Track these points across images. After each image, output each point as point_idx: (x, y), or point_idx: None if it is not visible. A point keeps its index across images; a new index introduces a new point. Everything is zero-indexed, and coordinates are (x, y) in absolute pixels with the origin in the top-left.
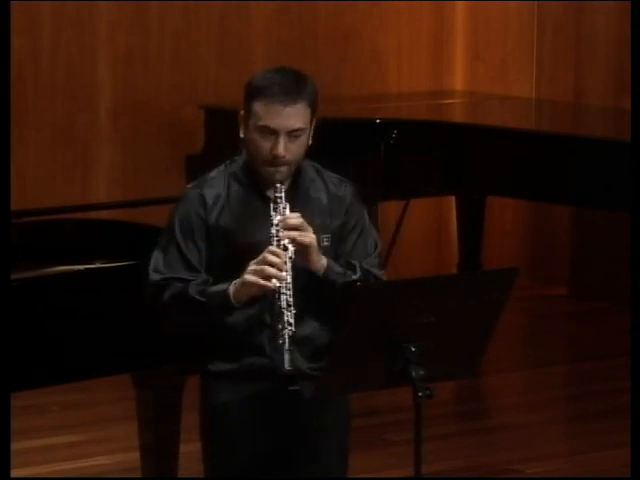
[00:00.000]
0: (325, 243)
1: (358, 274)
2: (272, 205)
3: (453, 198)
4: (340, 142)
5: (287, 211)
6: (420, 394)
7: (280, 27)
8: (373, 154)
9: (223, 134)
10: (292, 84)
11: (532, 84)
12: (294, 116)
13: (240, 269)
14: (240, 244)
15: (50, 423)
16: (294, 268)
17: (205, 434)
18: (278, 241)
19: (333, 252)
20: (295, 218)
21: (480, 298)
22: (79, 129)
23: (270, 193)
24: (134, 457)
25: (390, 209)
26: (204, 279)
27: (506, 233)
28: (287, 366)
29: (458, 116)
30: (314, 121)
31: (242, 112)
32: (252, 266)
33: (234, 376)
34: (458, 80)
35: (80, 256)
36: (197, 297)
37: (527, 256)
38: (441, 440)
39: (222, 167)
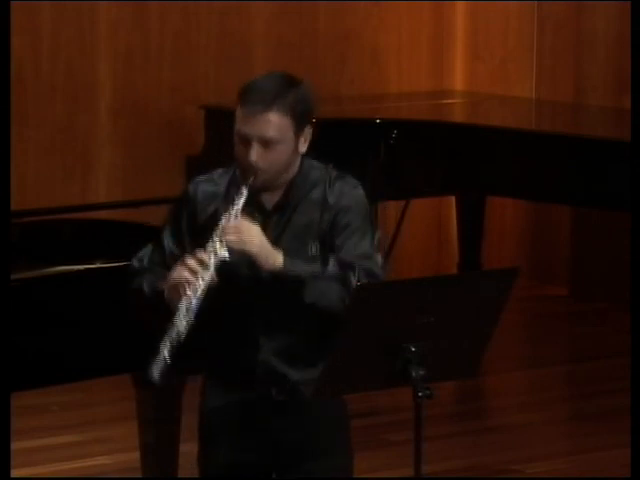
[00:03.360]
0: (313, 251)
1: (329, 268)
2: (229, 207)
3: (453, 198)
4: (340, 142)
5: (237, 217)
6: (420, 394)
7: (280, 27)
8: (373, 154)
9: (223, 134)
10: (272, 92)
11: (532, 84)
12: (265, 125)
13: (230, 271)
14: (232, 249)
15: (50, 423)
16: (264, 279)
17: (198, 434)
18: (212, 244)
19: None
20: (234, 222)
21: (480, 298)
22: (79, 129)
23: (265, 199)
24: (134, 457)
25: (390, 209)
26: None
27: (506, 233)
28: (154, 372)
29: (458, 116)
30: (305, 130)
31: None
32: (177, 267)
33: (221, 380)
34: (458, 80)
35: (80, 256)
36: (147, 292)
37: (527, 256)
38: (441, 440)
39: (230, 168)
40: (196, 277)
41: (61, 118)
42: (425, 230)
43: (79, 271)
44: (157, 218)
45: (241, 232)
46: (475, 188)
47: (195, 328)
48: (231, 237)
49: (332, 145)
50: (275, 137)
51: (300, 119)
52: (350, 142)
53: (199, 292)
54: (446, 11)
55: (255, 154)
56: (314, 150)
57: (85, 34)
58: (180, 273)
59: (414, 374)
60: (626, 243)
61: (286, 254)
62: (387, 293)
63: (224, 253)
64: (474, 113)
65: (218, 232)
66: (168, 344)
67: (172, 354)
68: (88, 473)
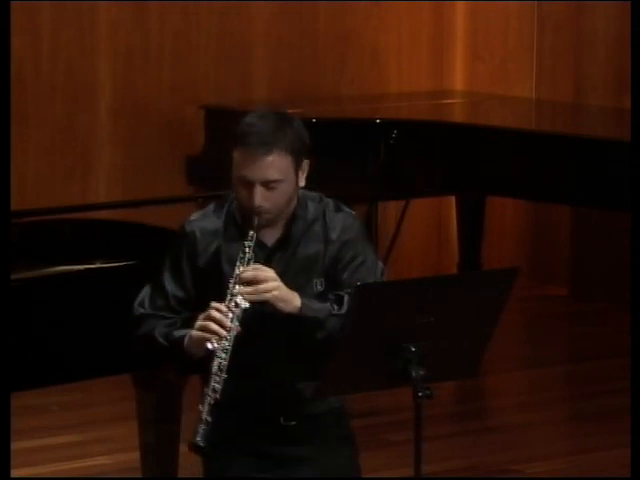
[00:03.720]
0: (319, 287)
1: (344, 307)
2: (240, 254)
3: (453, 198)
4: (340, 142)
5: (251, 263)
6: (420, 394)
7: (280, 27)
8: (373, 154)
9: (223, 134)
10: (270, 132)
11: (532, 84)
12: (269, 167)
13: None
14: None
15: (50, 423)
16: (272, 314)
17: None
18: (231, 295)
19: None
20: (250, 271)
21: (480, 298)
22: (79, 129)
23: (264, 235)
24: (134, 457)
25: (390, 209)
26: (181, 318)
27: (506, 233)
28: (198, 438)
29: (458, 116)
30: (303, 164)
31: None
32: (199, 320)
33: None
34: (458, 80)
35: (80, 256)
36: (161, 341)
37: (527, 256)
38: (441, 440)
39: (225, 202)
40: (223, 333)
41: (61, 118)
42: (425, 230)
43: (79, 271)
44: (157, 218)
45: (259, 280)
46: (475, 188)
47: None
48: (250, 288)
49: (332, 145)
50: (278, 178)
51: (299, 155)
52: (350, 142)
53: (228, 347)
54: (446, 11)
55: (259, 197)
56: (314, 150)
57: (85, 34)
58: (205, 327)
59: (414, 374)
60: (626, 243)
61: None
62: (387, 293)
63: (245, 304)
64: (474, 113)
65: (235, 282)
66: (207, 406)
67: (210, 413)
68: (88, 473)
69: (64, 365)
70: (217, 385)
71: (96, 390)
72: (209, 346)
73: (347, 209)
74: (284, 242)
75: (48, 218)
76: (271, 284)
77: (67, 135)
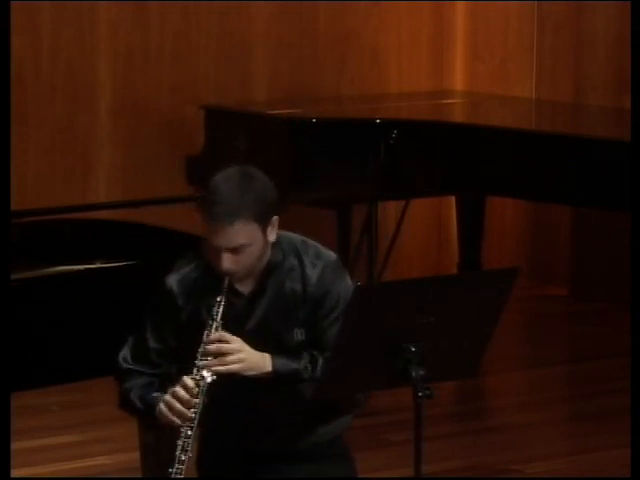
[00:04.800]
0: (299, 337)
1: (317, 370)
2: (209, 320)
3: (453, 198)
4: (340, 142)
5: (218, 330)
6: (420, 394)
7: (280, 27)
8: (373, 154)
9: (223, 134)
10: (233, 202)
11: (532, 84)
12: (233, 235)
13: None
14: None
15: (50, 423)
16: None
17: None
18: (198, 368)
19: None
20: (215, 343)
21: (480, 298)
22: (79, 129)
23: (241, 287)
24: (134, 457)
25: (390, 209)
26: (160, 374)
27: (506, 233)
28: None
29: (458, 116)
30: (271, 221)
31: None
32: (166, 396)
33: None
34: (458, 80)
35: (80, 256)
36: (136, 403)
37: (527, 256)
38: (441, 440)
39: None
40: (187, 415)
41: (61, 118)
42: (425, 230)
43: (79, 271)
44: (157, 218)
45: (224, 353)
46: (475, 188)
47: None
48: (215, 361)
49: (332, 145)
50: (244, 243)
51: (264, 216)
52: (350, 142)
53: (194, 424)
54: (446, 11)
55: (226, 262)
56: (315, 150)
57: (85, 34)
58: (171, 407)
59: (414, 374)
60: (626, 243)
61: (272, 341)
62: (387, 293)
63: (212, 377)
64: (474, 113)
65: (201, 354)
66: None
67: None
68: (88, 473)
69: (64, 365)
70: (181, 467)
71: (96, 390)
72: (174, 424)
73: (327, 253)
74: (260, 292)
75: (48, 218)
76: (236, 356)
77: (67, 135)
